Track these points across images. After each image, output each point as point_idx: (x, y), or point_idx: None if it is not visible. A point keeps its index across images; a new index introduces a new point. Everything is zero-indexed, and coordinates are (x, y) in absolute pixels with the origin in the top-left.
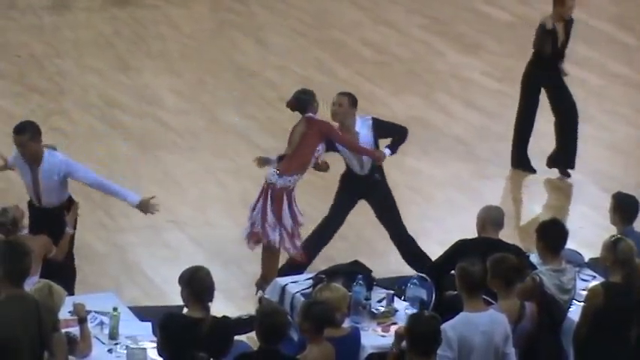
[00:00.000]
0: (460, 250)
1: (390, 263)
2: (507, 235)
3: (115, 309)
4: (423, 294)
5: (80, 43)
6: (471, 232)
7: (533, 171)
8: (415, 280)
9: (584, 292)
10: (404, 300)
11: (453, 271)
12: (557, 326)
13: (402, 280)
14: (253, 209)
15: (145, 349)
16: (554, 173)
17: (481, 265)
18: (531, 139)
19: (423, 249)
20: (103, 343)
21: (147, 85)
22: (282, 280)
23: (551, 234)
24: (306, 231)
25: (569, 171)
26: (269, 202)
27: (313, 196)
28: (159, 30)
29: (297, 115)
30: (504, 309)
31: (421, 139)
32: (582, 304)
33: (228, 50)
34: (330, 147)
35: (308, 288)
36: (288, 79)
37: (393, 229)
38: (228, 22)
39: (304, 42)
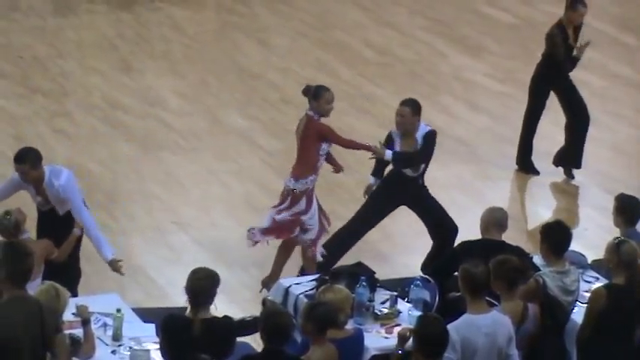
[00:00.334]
0: (463, 251)
1: (393, 265)
2: (510, 236)
3: (118, 310)
4: (426, 295)
5: (83, 44)
6: (473, 234)
7: (537, 172)
8: (418, 282)
9: (588, 294)
10: (407, 302)
11: (456, 273)
12: (561, 328)
13: (405, 282)
14: (278, 213)
15: (148, 350)
16: (558, 175)
17: (484, 267)
18: (534, 141)
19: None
20: (107, 345)
21: (150, 86)
22: (285, 282)
23: (555, 236)
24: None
25: (574, 171)
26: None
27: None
28: (162, 31)
29: (300, 117)
30: (507, 310)
31: None
32: (585, 305)
33: (230, 52)
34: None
35: (311, 289)
36: (290, 80)
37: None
38: (231, 23)
39: (307, 43)
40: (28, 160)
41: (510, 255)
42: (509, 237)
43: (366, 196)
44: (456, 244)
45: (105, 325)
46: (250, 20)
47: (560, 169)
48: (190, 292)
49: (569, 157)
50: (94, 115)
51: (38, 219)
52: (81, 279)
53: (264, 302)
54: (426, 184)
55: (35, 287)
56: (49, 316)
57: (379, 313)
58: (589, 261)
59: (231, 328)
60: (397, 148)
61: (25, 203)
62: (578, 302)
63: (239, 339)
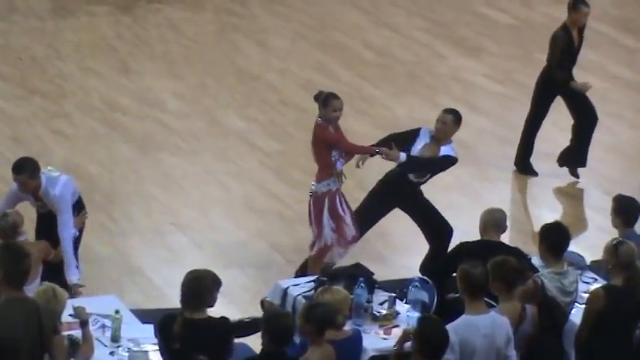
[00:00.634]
0: (461, 252)
1: (391, 266)
2: (510, 237)
3: (116, 312)
4: (424, 297)
5: (82, 45)
6: (472, 235)
7: (536, 174)
8: (417, 283)
9: (586, 295)
10: (406, 303)
11: (454, 274)
12: (559, 329)
13: (403, 283)
14: (311, 224)
15: (146, 351)
16: (558, 176)
17: (482, 268)
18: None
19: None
20: (105, 346)
21: (148, 87)
22: (284, 283)
23: (554, 237)
24: None
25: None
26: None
27: None
28: (161, 33)
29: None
30: (506, 311)
31: None
32: (584, 306)
33: (229, 53)
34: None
35: (310, 290)
36: (289, 81)
37: (435, 228)
38: (230, 25)
39: (306, 45)
40: (26, 170)
41: (509, 256)
42: (508, 238)
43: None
44: (454, 245)
45: (103, 326)
46: (249, 22)
47: (561, 171)
48: (182, 292)
49: (575, 157)
50: (92, 116)
51: (37, 220)
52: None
53: (262, 303)
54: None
55: (34, 289)
56: (47, 317)
57: (377, 314)
58: (587, 262)
59: (222, 329)
60: (418, 147)
61: (25, 204)
62: (576, 303)
63: (237, 340)
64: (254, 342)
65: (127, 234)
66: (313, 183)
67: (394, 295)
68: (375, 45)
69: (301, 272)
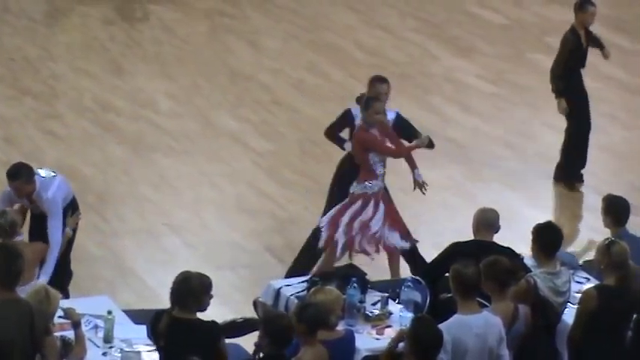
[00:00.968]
0: (454, 252)
1: (384, 266)
2: (503, 237)
3: (109, 312)
4: (417, 297)
5: (74, 46)
6: (465, 235)
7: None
8: (409, 283)
9: (579, 295)
10: (398, 303)
11: (447, 274)
12: (552, 329)
13: (396, 283)
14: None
15: (139, 352)
16: (550, 176)
17: (475, 268)
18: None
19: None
20: (98, 347)
21: (141, 88)
22: (276, 283)
23: (546, 237)
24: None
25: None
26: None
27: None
28: (153, 34)
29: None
30: (498, 311)
31: None
32: (576, 306)
33: (222, 54)
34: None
35: (302, 291)
36: (282, 82)
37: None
38: (222, 25)
39: (298, 45)
40: (22, 176)
41: (501, 256)
42: (501, 238)
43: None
44: (447, 245)
45: (96, 326)
46: (241, 22)
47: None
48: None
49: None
50: (85, 117)
51: (31, 221)
52: (72, 280)
53: (255, 304)
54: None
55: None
56: (39, 317)
57: (370, 315)
58: (580, 262)
59: (208, 332)
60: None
61: None
62: (569, 303)
63: (230, 341)
64: (247, 342)
65: (119, 235)
66: (353, 183)
67: (387, 295)
68: (368, 45)
69: (292, 272)
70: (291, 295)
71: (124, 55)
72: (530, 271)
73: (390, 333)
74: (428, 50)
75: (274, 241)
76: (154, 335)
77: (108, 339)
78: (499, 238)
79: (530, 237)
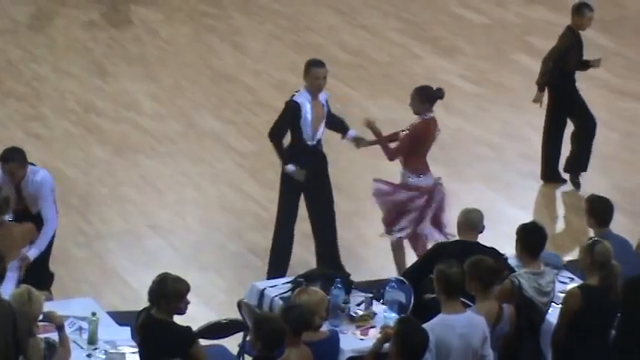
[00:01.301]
0: (437, 252)
1: (368, 266)
2: (487, 237)
3: (93, 314)
4: (401, 297)
5: (57, 48)
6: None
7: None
8: (393, 284)
9: (563, 295)
10: (382, 303)
11: (431, 274)
12: (536, 329)
13: (380, 284)
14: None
15: (123, 353)
16: (534, 176)
17: (459, 268)
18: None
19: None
20: (82, 348)
21: (124, 90)
22: (260, 284)
23: (530, 237)
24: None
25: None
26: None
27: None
28: (136, 35)
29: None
30: (482, 311)
31: None
32: (560, 306)
33: (205, 55)
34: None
35: (287, 292)
36: (264, 83)
37: (325, 233)
38: (205, 27)
39: (281, 46)
40: (16, 159)
41: (485, 256)
42: (484, 238)
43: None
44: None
45: (80, 328)
46: (224, 23)
47: (537, 172)
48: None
49: (576, 164)
50: (68, 118)
51: (13, 219)
52: (56, 283)
53: (239, 305)
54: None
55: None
56: (22, 319)
57: (355, 315)
58: (564, 262)
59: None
60: (309, 113)
61: None
62: (553, 303)
63: (215, 342)
64: (231, 344)
65: (103, 236)
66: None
67: (371, 295)
68: (350, 46)
69: (272, 273)
70: (276, 295)
71: (106, 56)
72: (515, 271)
73: (374, 333)
74: (410, 50)
75: (257, 241)
76: (134, 332)
77: (92, 340)
78: (482, 238)
79: (513, 237)
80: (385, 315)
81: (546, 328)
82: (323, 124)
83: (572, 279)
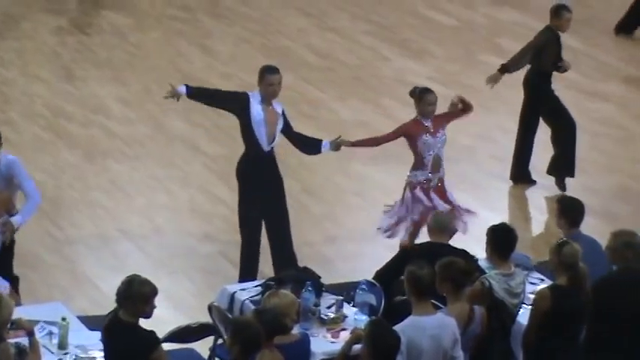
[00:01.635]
0: (408, 254)
1: (338, 269)
2: (457, 239)
3: (63, 319)
4: (372, 299)
5: (25, 52)
6: (420, 238)
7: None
8: (364, 286)
9: (533, 296)
10: (353, 306)
11: (401, 276)
12: (507, 330)
13: (351, 286)
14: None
15: (94, 358)
16: (504, 178)
17: (430, 269)
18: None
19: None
20: (52, 353)
21: (93, 94)
22: (231, 288)
23: (500, 238)
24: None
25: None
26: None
27: None
28: (104, 39)
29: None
30: (454, 313)
31: None
32: (530, 307)
33: (174, 58)
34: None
35: (257, 295)
36: (234, 86)
37: (281, 239)
38: (174, 30)
39: (250, 49)
40: None
41: (456, 257)
42: (455, 239)
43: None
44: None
45: (50, 333)
46: (193, 27)
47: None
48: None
49: (560, 166)
50: (37, 123)
51: None
52: (25, 287)
53: (210, 308)
54: (370, 187)
55: None
56: None
57: (325, 318)
58: (534, 263)
59: (140, 340)
60: (261, 114)
61: None
62: (523, 304)
63: (185, 345)
64: (202, 347)
65: (72, 241)
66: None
67: (341, 298)
68: (319, 48)
69: (244, 276)
70: (246, 299)
71: (75, 60)
72: (485, 273)
73: (345, 336)
74: (379, 53)
75: (228, 245)
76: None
77: (62, 345)
78: (453, 240)
79: (483, 238)
80: (356, 317)
81: (517, 329)
82: (278, 132)
83: (542, 280)
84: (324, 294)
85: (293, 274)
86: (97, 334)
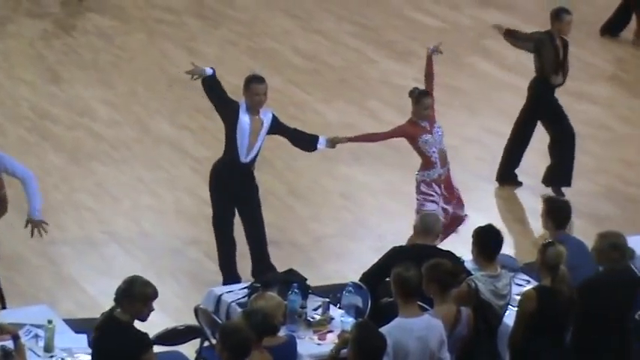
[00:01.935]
0: (394, 256)
1: (325, 271)
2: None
3: (49, 322)
4: (358, 301)
5: (10, 54)
6: (404, 239)
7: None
8: (350, 288)
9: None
10: (339, 308)
11: (388, 278)
12: (493, 331)
13: (337, 288)
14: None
15: None
16: (491, 180)
17: (416, 271)
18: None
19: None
20: (39, 356)
21: (78, 96)
22: (217, 290)
23: (486, 240)
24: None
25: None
26: None
27: None
28: (90, 41)
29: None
30: (440, 314)
31: (353, 145)
32: (516, 308)
33: (159, 61)
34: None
35: (243, 297)
36: None
37: (258, 245)
38: (159, 32)
39: (236, 51)
40: None
41: (442, 259)
42: (441, 242)
43: None
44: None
45: (36, 336)
46: (179, 29)
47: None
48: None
49: (557, 176)
50: (22, 125)
51: None
52: (11, 289)
53: (196, 311)
54: (355, 189)
55: None
56: None
57: (312, 320)
58: (520, 264)
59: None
60: (247, 122)
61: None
62: (510, 305)
63: (171, 348)
64: (188, 350)
65: (58, 243)
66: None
67: (328, 300)
68: (305, 50)
69: (228, 278)
70: (232, 301)
71: (61, 63)
72: (472, 274)
73: (331, 338)
74: (365, 54)
75: (214, 247)
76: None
77: (49, 348)
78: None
79: (470, 240)
80: (342, 319)
81: (503, 331)
82: (259, 144)
83: (528, 281)
84: (310, 296)
85: (279, 276)
86: (84, 337)
